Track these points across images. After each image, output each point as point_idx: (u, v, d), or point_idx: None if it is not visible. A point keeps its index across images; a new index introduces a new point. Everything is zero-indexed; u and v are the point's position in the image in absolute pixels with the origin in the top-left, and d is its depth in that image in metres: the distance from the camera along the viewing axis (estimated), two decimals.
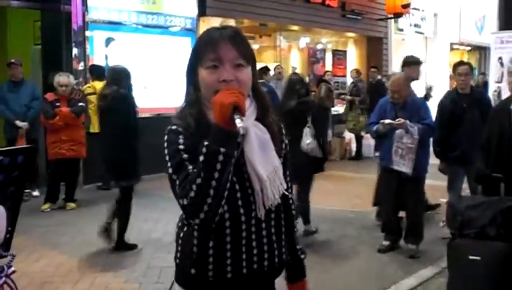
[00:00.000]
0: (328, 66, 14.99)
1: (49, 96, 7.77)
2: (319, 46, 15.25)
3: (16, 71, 8.31)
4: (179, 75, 10.70)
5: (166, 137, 1.83)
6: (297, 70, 13.29)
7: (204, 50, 1.83)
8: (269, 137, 1.87)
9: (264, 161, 1.84)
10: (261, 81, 11.04)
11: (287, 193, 1.97)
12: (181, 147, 1.77)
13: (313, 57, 14.84)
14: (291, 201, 2.09)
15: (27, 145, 1.71)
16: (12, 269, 1.87)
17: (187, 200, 1.69)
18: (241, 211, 1.84)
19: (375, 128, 5.71)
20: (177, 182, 1.74)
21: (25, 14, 10.59)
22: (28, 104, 8.28)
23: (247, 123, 1.76)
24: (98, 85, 8.19)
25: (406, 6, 13.99)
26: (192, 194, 1.67)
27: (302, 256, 2.15)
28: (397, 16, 14.44)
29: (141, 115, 10.07)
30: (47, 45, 9.81)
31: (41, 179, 8.43)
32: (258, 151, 1.82)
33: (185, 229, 1.90)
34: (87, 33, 9.45)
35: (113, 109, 5.86)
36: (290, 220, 2.08)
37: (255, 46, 15.56)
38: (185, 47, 10.92)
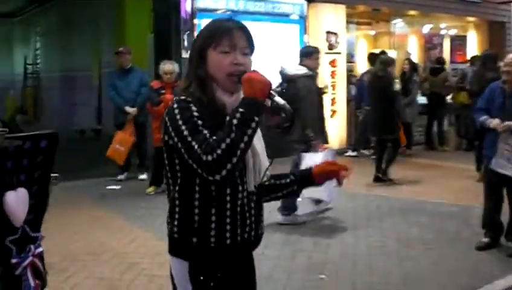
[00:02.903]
0: (446, 52, 14.34)
1: (155, 84, 7.99)
2: (437, 32, 14.61)
3: (123, 59, 8.64)
4: (287, 62, 10.75)
5: (176, 105, 1.96)
6: (412, 57, 12.80)
7: (220, 36, 2.00)
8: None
9: (258, 141, 2.03)
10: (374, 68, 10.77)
11: (268, 173, 2.14)
12: (195, 113, 1.92)
13: (430, 43, 14.26)
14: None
15: (50, 131, 1.76)
16: (40, 249, 1.91)
17: (212, 157, 1.81)
18: (239, 181, 2.00)
19: (481, 119, 5.31)
20: (194, 143, 1.86)
21: (142, 4, 11.00)
22: (136, 91, 8.60)
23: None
24: None
25: None
26: (219, 151, 1.81)
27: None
28: None
29: None
30: (158, 34, 10.13)
31: (149, 162, 8.77)
32: None
33: (183, 202, 2.02)
34: (195, 21, 9.63)
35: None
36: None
37: (371, 33, 15.23)
38: (293, 34, 10.88)
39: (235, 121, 1.84)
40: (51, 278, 4.64)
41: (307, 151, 6.11)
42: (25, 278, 1.86)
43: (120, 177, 8.94)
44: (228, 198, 1.99)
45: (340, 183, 2.26)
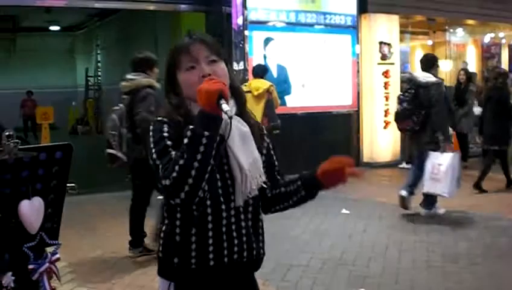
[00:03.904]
0: (505, 62, 13.96)
1: None
2: (495, 41, 14.25)
3: None
4: (339, 73, 10.74)
5: (151, 127, 1.94)
6: (469, 67, 12.53)
7: (179, 56, 1.98)
8: (249, 130, 1.99)
9: (245, 153, 1.95)
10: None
11: (265, 186, 2.04)
12: (165, 134, 1.89)
13: (487, 53, 13.92)
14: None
15: (65, 142, 1.83)
16: (57, 256, 1.98)
17: (169, 181, 1.78)
18: (222, 199, 1.93)
19: None
20: (160, 166, 1.84)
21: (196, 17, 11.20)
22: None
23: (232, 112, 1.86)
24: (256, 83, 8.35)
25: None
26: (174, 174, 1.77)
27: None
28: None
29: (298, 113, 10.32)
30: None
31: None
32: (239, 142, 1.95)
33: (168, 221, 1.98)
34: (246, 33, 9.72)
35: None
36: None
37: (428, 42, 15.01)
38: (345, 45, 10.83)
39: (185, 140, 1.79)
40: (97, 286, 4.82)
41: (435, 151, 6.75)
42: (41, 284, 1.94)
43: None
44: (210, 218, 1.92)
45: (344, 180, 2.04)
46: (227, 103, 1.79)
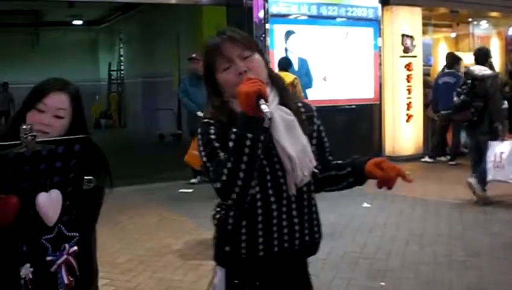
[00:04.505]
0: None
1: None
2: None
3: (196, 66, 8.81)
4: (361, 66, 10.67)
5: (199, 130, 1.98)
6: (493, 60, 12.36)
7: (213, 57, 2.00)
8: (294, 118, 1.99)
9: (292, 141, 1.95)
10: (450, 70, 10.51)
11: (316, 171, 2.06)
12: (212, 136, 1.93)
13: (511, 45, 13.73)
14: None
15: (83, 135, 1.85)
16: (75, 248, 2.00)
17: (220, 183, 1.83)
18: (271, 191, 1.97)
19: None
20: (211, 168, 1.89)
21: (218, 10, 11.19)
22: None
23: (271, 108, 1.88)
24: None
25: None
26: (224, 177, 1.82)
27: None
28: None
29: (319, 106, 10.25)
30: None
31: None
32: (284, 132, 1.95)
33: (222, 211, 2.04)
34: (268, 26, 9.69)
35: None
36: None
37: (451, 35, 14.84)
38: (367, 38, 10.76)
39: (230, 144, 1.83)
40: (116, 277, 4.87)
41: (493, 140, 7.09)
42: (59, 276, 1.96)
43: (193, 180, 9.14)
44: (259, 210, 1.96)
45: (390, 187, 2.02)
46: (267, 101, 1.80)
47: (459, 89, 7.53)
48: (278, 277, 2.06)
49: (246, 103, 1.78)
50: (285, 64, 8.78)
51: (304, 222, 2.04)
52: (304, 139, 1.99)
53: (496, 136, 7.16)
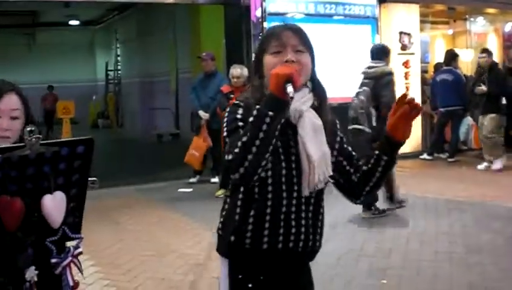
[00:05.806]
0: None
1: (225, 88, 8.06)
2: None
3: (204, 64, 8.79)
4: (358, 63, 10.64)
5: (228, 109, 2.05)
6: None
7: (269, 40, 2.06)
8: (322, 124, 2.04)
9: (315, 143, 1.99)
10: (447, 68, 10.52)
11: (331, 181, 2.10)
12: (238, 116, 1.98)
13: (508, 42, 13.73)
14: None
15: (87, 137, 1.83)
16: (80, 250, 1.99)
17: (232, 155, 1.86)
18: (284, 187, 1.99)
19: None
20: (227, 140, 1.94)
21: (215, 10, 11.19)
22: (213, 96, 8.66)
23: (303, 107, 1.99)
24: None
25: None
26: (236, 149, 1.85)
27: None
28: None
29: None
30: (229, 39, 10.26)
31: (221, 167, 8.90)
32: (311, 133, 1.99)
33: (230, 200, 2.07)
34: (265, 25, 9.67)
35: None
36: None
37: (448, 32, 14.84)
38: (365, 35, 10.74)
39: (250, 119, 1.87)
40: (118, 278, 4.86)
41: None
42: (64, 278, 1.95)
43: (192, 180, 9.13)
44: (269, 202, 1.98)
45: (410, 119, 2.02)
46: (296, 88, 1.85)
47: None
48: (281, 273, 2.08)
49: (275, 83, 1.84)
50: None
51: (310, 227, 2.06)
52: (326, 148, 2.03)
53: None
